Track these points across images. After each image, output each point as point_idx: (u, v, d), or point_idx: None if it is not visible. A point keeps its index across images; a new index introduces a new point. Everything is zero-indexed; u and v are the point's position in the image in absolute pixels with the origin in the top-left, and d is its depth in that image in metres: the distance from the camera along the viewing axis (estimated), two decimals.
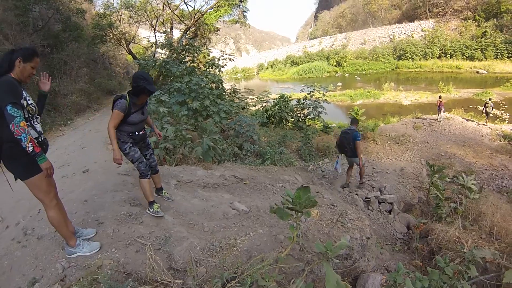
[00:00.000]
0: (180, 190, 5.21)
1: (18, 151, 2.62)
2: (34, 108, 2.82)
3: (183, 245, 3.31)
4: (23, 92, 2.71)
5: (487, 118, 18.51)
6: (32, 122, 2.80)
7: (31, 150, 2.55)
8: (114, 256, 3.06)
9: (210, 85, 12.00)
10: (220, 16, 27.21)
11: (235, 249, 3.34)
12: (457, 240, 4.95)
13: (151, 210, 4.15)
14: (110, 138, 3.65)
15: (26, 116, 2.70)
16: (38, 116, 2.91)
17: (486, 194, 7.31)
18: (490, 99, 19.80)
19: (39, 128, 2.87)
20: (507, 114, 20.62)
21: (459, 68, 48.07)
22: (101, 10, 26.66)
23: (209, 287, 2.55)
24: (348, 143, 8.14)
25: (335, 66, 63.12)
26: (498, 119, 19.15)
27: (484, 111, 18.66)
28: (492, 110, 18.56)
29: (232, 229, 3.95)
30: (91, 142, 9.62)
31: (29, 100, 2.76)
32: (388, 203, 8.08)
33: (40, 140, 2.83)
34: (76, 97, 17.78)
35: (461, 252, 4.28)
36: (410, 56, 55.89)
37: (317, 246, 2.59)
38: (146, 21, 27.13)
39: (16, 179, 2.82)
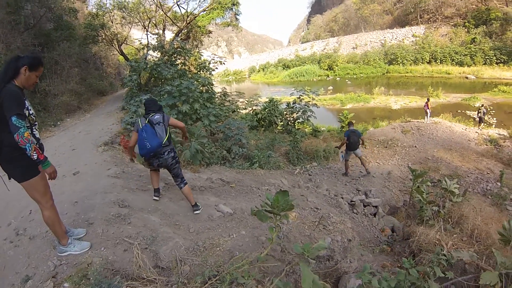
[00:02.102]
0: (167, 192, 5.35)
1: (16, 155, 2.74)
2: (34, 117, 2.94)
3: (168, 245, 3.45)
4: (26, 101, 2.80)
5: (480, 123, 18.86)
6: (32, 130, 2.90)
7: (35, 158, 2.70)
8: (103, 255, 3.19)
9: (201, 88, 12.09)
10: (213, 18, 27.28)
11: (218, 249, 3.50)
12: (437, 242, 5.13)
13: (200, 208, 4.75)
14: (187, 134, 4.89)
15: (27, 125, 2.78)
16: (36, 123, 3.02)
17: (468, 197, 7.49)
18: (483, 105, 20.17)
19: (37, 135, 2.98)
20: (494, 119, 21.06)
21: (449, 73, 48.69)
22: (94, 10, 26.47)
23: (192, 284, 2.70)
24: (359, 140, 10.44)
25: (327, 70, 63.41)
26: (485, 124, 19.52)
27: (477, 117, 19.03)
28: (484, 115, 18.96)
29: (216, 230, 4.10)
30: (81, 143, 9.60)
31: (30, 109, 2.86)
32: (373, 206, 8.24)
33: (37, 146, 2.94)
34: (66, 97, 17.53)
35: (439, 254, 4.44)
36: (400, 61, 56.40)
37: (295, 247, 2.75)
38: (138, 22, 27.00)
39: (10, 179, 2.92)
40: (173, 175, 4.60)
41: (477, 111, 19.61)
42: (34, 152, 2.68)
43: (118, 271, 3.00)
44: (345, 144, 10.60)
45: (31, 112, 2.87)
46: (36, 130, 3.00)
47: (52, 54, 19.12)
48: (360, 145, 10.63)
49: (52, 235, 3.33)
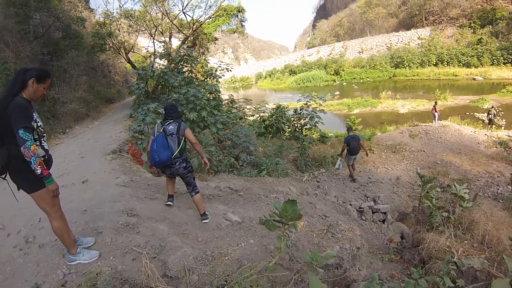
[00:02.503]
0: (176, 200, 5.35)
1: (25, 167, 2.75)
2: (42, 129, 2.97)
3: (177, 254, 3.46)
4: (34, 114, 2.83)
5: (490, 125, 18.70)
6: (41, 142, 2.95)
7: (39, 173, 2.71)
8: (112, 264, 3.21)
9: (208, 96, 12.13)
10: (219, 25, 27.44)
11: (226, 258, 3.50)
12: (448, 249, 5.05)
13: (209, 217, 4.72)
14: (201, 152, 4.69)
15: (36, 137, 2.83)
16: (45, 135, 3.06)
17: (479, 202, 7.39)
18: (492, 107, 19.99)
19: (46, 147, 3.02)
20: (504, 120, 20.83)
21: (456, 75, 48.33)
22: (101, 19, 26.71)
23: None
24: (358, 144, 10.49)
25: (333, 75, 63.06)
26: (494, 126, 19.33)
27: (487, 118, 18.86)
28: (494, 117, 18.79)
29: (225, 239, 4.11)
30: (90, 151, 9.66)
31: (38, 122, 2.90)
32: (381, 212, 8.20)
33: (46, 157, 2.98)
34: (75, 105, 17.73)
35: (449, 263, 4.36)
36: (407, 64, 55.99)
37: (304, 256, 2.74)
38: (145, 30, 27.21)
39: (18, 189, 2.95)
40: (185, 183, 4.65)
41: (487, 113, 19.45)
42: (39, 166, 2.69)
43: (127, 280, 3.01)
44: (345, 150, 10.71)
45: (39, 124, 2.90)
46: (45, 141, 3.04)
47: (60, 63, 19.34)
48: (360, 150, 10.70)
49: (61, 244, 3.35)
